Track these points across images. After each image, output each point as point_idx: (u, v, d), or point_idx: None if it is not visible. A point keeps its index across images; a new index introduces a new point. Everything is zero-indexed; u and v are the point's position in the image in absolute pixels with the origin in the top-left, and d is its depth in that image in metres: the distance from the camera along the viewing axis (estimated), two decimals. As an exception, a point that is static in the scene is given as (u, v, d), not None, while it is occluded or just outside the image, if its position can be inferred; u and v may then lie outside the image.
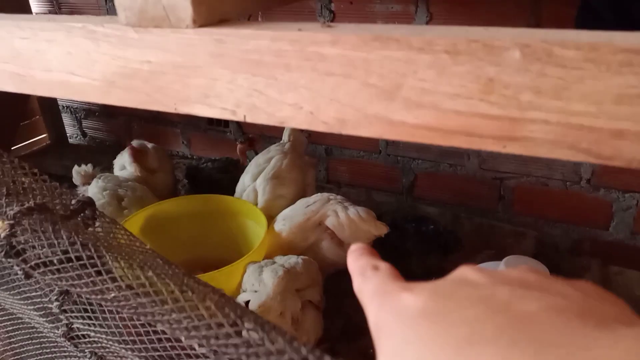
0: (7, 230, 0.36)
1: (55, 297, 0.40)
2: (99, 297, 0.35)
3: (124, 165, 1.47)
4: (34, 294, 0.43)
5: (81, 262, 0.33)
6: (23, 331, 0.52)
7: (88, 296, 0.36)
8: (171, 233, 1.24)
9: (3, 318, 0.53)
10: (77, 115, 2.18)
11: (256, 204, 1.26)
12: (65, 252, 0.33)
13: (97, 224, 0.42)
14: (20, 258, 0.35)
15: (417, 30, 0.29)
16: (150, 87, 0.37)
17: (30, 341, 0.52)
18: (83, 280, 0.34)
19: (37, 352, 0.53)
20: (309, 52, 0.31)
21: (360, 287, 0.30)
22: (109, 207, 1.26)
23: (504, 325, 0.20)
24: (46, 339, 0.49)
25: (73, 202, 0.38)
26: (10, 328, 0.54)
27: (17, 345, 0.54)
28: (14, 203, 0.38)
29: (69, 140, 2.22)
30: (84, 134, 2.22)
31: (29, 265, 0.35)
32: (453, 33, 0.28)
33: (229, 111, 0.35)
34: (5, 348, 0.56)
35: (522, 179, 1.42)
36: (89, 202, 0.38)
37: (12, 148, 1.96)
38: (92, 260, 0.35)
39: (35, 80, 0.42)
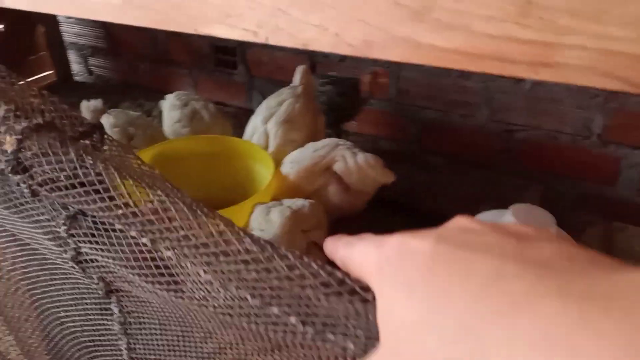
0: (15, 145, 0.36)
1: (62, 221, 0.40)
2: (105, 214, 0.35)
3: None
4: (42, 217, 0.43)
5: (89, 179, 0.33)
6: (34, 260, 0.53)
7: (95, 214, 0.36)
8: (178, 172, 1.24)
9: (15, 246, 0.54)
10: (83, 52, 2.15)
11: (267, 147, 1.25)
12: (74, 169, 0.33)
13: (105, 147, 0.42)
14: (27, 174, 0.35)
15: (453, -54, 0.28)
16: (167, 5, 0.36)
17: (41, 270, 0.53)
18: (90, 197, 0.34)
19: (48, 280, 0.53)
20: (338, -31, 0.30)
21: (349, 253, 0.29)
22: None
23: (524, 265, 0.20)
24: (54, 267, 0.49)
25: (82, 124, 0.37)
26: (24, 257, 0.54)
27: (32, 274, 0.55)
28: (21, 120, 0.37)
29: (75, 77, 2.19)
30: (90, 72, 2.19)
31: (36, 182, 0.34)
32: (492, -50, 0.27)
33: (251, 32, 0.34)
34: (21, 277, 0.57)
35: (532, 131, 1.41)
36: (99, 126, 0.38)
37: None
38: (99, 177, 0.34)
39: (49, -3, 0.41)
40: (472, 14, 0.27)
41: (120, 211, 0.35)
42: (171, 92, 1.98)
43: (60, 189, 0.34)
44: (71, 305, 0.53)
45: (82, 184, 0.33)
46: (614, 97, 1.29)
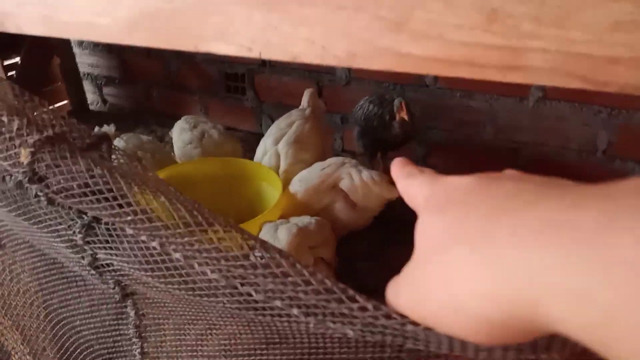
0: (30, 157, 0.39)
1: (78, 230, 0.42)
2: (116, 219, 0.38)
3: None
4: (59, 227, 0.45)
5: (98, 188, 0.36)
6: (53, 270, 0.55)
7: (107, 220, 0.38)
8: (188, 195, 1.27)
9: (34, 257, 0.57)
10: (97, 82, 2.22)
11: (278, 167, 1.28)
12: (84, 179, 0.35)
13: (113, 157, 0.44)
14: (43, 183, 0.37)
15: (425, -37, 0.30)
16: (171, 26, 0.39)
17: (59, 280, 0.55)
18: (101, 204, 0.37)
19: (65, 289, 0.56)
20: (322, -13, 0.32)
21: (408, 184, 0.33)
22: None
23: (535, 186, 0.25)
24: (72, 275, 0.52)
25: (90, 136, 0.40)
26: (43, 268, 0.57)
27: (50, 285, 0.57)
28: (34, 133, 0.39)
29: (90, 107, 2.26)
30: (104, 101, 2.25)
31: (51, 190, 0.37)
32: (459, -35, 0.29)
33: (246, 48, 0.36)
34: (39, 289, 0.59)
35: (537, 148, 1.42)
36: (106, 137, 0.40)
37: (35, 113, 2.00)
38: (108, 185, 0.37)
39: (62, 22, 0.44)
40: (445, 23, 0.30)
41: (129, 217, 0.37)
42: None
43: (74, 197, 0.37)
44: (87, 313, 0.55)
45: (93, 192, 0.36)
46: (618, 113, 1.30)
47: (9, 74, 1.60)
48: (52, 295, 0.58)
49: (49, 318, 0.62)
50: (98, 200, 0.36)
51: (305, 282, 0.33)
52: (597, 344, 0.20)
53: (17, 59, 1.78)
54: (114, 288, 0.47)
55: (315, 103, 1.40)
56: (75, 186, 0.37)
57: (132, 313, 0.51)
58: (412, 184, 0.32)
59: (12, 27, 0.48)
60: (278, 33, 0.35)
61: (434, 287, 0.26)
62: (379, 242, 1.30)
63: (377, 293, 0.31)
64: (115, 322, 0.55)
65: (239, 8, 0.36)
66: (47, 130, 0.38)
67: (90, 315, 0.56)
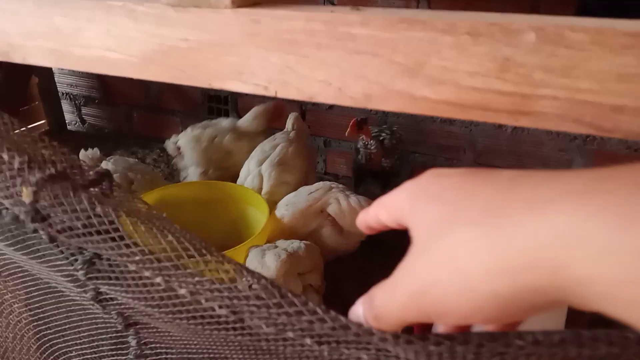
0: (32, 196, 0.38)
1: (80, 266, 0.42)
2: (123, 259, 0.38)
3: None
4: (60, 262, 0.45)
5: (103, 227, 0.36)
6: (51, 299, 0.55)
7: (112, 259, 0.38)
8: (174, 217, 1.26)
9: (31, 286, 0.56)
10: (76, 102, 2.19)
11: (261, 189, 1.28)
12: (88, 217, 0.35)
13: (115, 194, 0.44)
14: (45, 222, 0.37)
15: (440, 14, 0.32)
16: (186, 63, 0.40)
17: (57, 309, 0.55)
18: (106, 244, 0.37)
19: (62, 319, 0.55)
20: (340, 32, 0.34)
21: (380, 202, 0.34)
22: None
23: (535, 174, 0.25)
24: (72, 302, 0.51)
25: (91, 173, 0.40)
26: (39, 297, 0.56)
27: (45, 314, 0.56)
28: (35, 171, 0.39)
29: (68, 127, 2.23)
30: (82, 121, 2.23)
31: (55, 229, 0.37)
32: (474, 17, 0.31)
33: (262, 87, 0.38)
34: (32, 319, 0.58)
35: (516, 173, 1.46)
36: (107, 174, 0.41)
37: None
38: (113, 225, 0.37)
39: (73, 56, 0.45)
40: (459, 70, 0.32)
41: (136, 257, 0.37)
42: (164, 140, 2.02)
43: (78, 236, 0.37)
44: (85, 343, 0.55)
45: (97, 231, 0.36)
46: (592, 139, 1.35)
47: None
48: (48, 324, 0.57)
49: (40, 350, 0.61)
50: (103, 240, 0.36)
51: (311, 312, 0.33)
52: (623, 305, 0.20)
53: (-7, 80, 1.75)
54: (116, 319, 0.47)
55: (300, 126, 1.42)
56: (79, 225, 0.37)
57: (133, 342, 0.51)
58: (385, 198, 0.33)
59: (18, 58, 0.48)
60: (295, 74, 0.36)
61: (437, 270, 0.25)
62: (365, 265, 1.31)
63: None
64: (115, 352, 0.54)
65: (256, 50, 0.37)
66: (49, 168, 0.38)
67: (88, 345, 0.56)
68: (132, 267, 0.40)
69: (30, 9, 0.45)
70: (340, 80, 0.35)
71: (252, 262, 1.00)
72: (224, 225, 1.29)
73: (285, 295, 0.33)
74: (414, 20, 0.32)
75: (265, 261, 0.97)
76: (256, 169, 1.30)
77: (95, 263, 0.40)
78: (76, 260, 0.40)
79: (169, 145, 1.49)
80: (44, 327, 0.55)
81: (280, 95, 0.37)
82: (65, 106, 2.21)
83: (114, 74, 0.43)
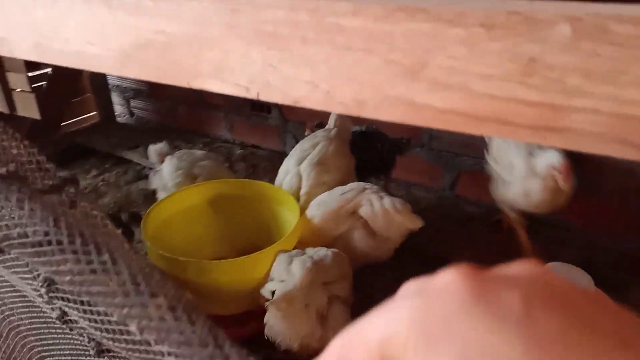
0: None
1: (40, 283, 0.38)
2: (76, 286, 0.33)
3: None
4: (26, 275, 0.41)
5: (60, 247, 0.31)
6: (30, 307, 0.51)
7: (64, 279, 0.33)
8: (207, 214, 1.25)
9: (11, 293, 0.53)
10: (125, 94, 2.22)
11: (299, 189, 1.24)
12: (34, 228, 0.31)
13: (81, 204, 0.39)
14: None
15: (448, 0, 0.25)
16: (164, 60, 0.35)
17: (37, 317, 0.51)
18: (54, 257, 0.32)
19: (44, 332, 0.52)
20: (328, 24, 0.28)
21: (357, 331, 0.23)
22: (183, 187, 1.25)
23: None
24: (49, 317, 0.48)
25: (55, 177, 0.36)
26: (20, 304, 0.52)
27: (26, 321, 0.53)
28: None
29: (117, 119, 2.26)
30: (131, 114, 2.26)
31: (4, 242, 0.32)
32: (489, 4, 0.24)
33: (243, 87, 0.32)
34: (25, 332, 0.56)
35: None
36: (72, 180, 0.36)
37: (62, 124, 2.02)
38: (71, 241, 0.32)
39: (54, 50, 0.41)
40: (470, 72, 0.25)
41: (90, 276, 0.32)
42: (207, 135, 2.02)
43: (24, 246, 0.32)
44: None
45: (49, 242, 0.31)
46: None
47: (36, 84, 1.60)
48: (34, 335, 0.54)
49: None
50: (57, 262, 0.31)
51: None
52: None
53: (45, 70, 1.79)
54: (88, 343, 0.43)
55: (342, 124, 1.35)
56: (28, 234, 0.32)
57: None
58: (358, 333, 0.22)
59: (5, 51, 0.45)
60: (278, 73, 0.30)
61: None
62: (400, 275, 1.22)
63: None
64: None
65: (236, 43, 0.31)
66: (4, 165, 0.34)
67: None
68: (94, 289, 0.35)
69: (12, 0, 0.42)
70: (329, 82, 0.29)
71: (279, 267, 0.95)
72: (255, 224, 1.25)
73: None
74: (415, 9, 0.25)
75: (291, 268, 0.92)
76: (295, 168, 1.25)
77: (55, 281, 0.35)
78: (39, 275, 0.36)
79: (152, 151, 1.40)
80: (31, 337, 0.52)
81: (263, 98, 0.32)
82: (115, 98, 2.25)
83: (93, 70, 0.39)
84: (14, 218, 0.31)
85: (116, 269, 0.29)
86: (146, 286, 0.28)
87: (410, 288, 0.22)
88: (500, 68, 0.24)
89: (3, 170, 0.32)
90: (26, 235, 0.31)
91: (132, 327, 0.28)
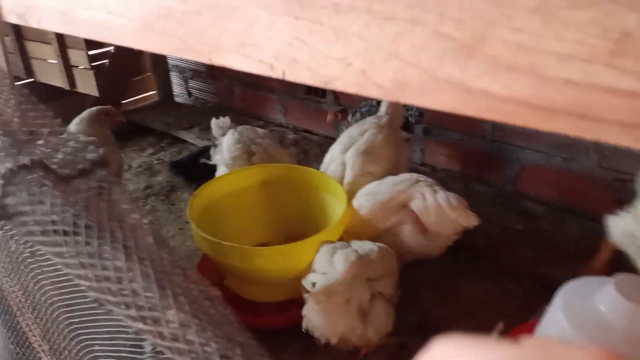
0: None
1: None
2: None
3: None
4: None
5: (77, 238, 0.28)
6: (73, 285, 0.51)
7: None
8: (255, 198, 1.23)
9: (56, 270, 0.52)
10: (184, 75, 2.24)
11: (343, 178, 1.19)
12: (52, 217, 0.28)
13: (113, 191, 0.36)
14: (18, 221, 0.30)
15: (519, -44, 0.20)
16: (184, 30, 0.31)
17: (79, 295, 0.50)
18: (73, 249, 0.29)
19: (85, 308, 0.51)
20: (366, -12, 0.23)
21: None
22: (239, 161, 1.25)
23: None
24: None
25: (88, 157, 0.33)
26: (64, 280, 0.52)
27: (68, 297, 0.52)
28: (6, 158, 0.32)
29: (175, 98, 2.29)
30: (189, 94, 2.28)
31: (22, 232, 0.30)
32: (575, -41, 0.19)
33: (267, 65, 0.28)
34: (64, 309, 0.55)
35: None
36: (101, 163, 0.33)
37: (123, 102, 2.05)
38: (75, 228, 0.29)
39: (77, 19, 0.38)
40: (542, 50, 0.19)
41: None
42: (262, 118, 2.00)
43: (45, 235, 0.30)
44: (105, 339, 0.51)
45: (65, 233, 0.29)
46: None
47: (96, 63, 1.63)
48: (75, 313, 0.53)
49: (71, 337, 0.57)
50: (67, 244, 0.28)
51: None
52: None
53: (108, 49, 1.82)
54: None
55: (395, 111, 1.28)
56: (49, 222, 0.29)
57: (149, 348, 0.45)
58: None
59: (34, 22, 0.43)
60: (306, 48, 0.26)
61: None
62: (449, 272, 1.16)
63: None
64: (131, 355, 0.49)
65: (261, 13, 0.27)
66: (32, 153, 0.31)
67: (107, 342, 0.51)
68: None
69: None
70: (365, 59, 0.24)
71: (321, 258, 0.91)
72: (302, 211, 1.22)
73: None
74: (474, -33, 0.20)
75: (334, 260, 0.88)
76: (340, 156, 1.20)
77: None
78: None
79: (215, 124, 1.40)
80: (71, 314, 0.51)
81: (289, 77, 0.27)
82: (174, 79, 2.27)
83: (115, 42, 0.36)
84: (34, 209, 0.28)
85: (130, 275, 0.26)
86: (160, 297, 0.25)
87: None
88: (584, 46, 0.18)
89: (27, 160, 0.30)
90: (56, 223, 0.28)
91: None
